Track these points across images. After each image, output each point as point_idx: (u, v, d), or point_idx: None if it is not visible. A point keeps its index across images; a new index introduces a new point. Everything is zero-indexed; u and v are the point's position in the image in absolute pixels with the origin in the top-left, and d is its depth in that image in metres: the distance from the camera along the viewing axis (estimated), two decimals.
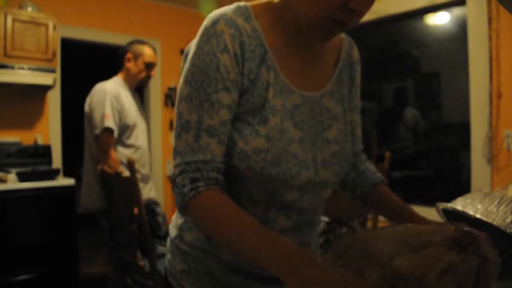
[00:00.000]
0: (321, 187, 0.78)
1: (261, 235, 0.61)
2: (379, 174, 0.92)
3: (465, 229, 0.55)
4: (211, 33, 0.70)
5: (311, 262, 0.55)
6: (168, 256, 0.86)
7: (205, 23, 0.72)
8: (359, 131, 0.91)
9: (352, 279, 0.52)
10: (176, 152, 0.71)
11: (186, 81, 0.71)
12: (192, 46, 0.73)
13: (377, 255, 0.56)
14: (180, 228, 0.83)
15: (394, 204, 0.84)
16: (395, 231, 0.60)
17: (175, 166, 0.71)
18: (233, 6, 0.72)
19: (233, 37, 0.69)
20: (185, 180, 0.68)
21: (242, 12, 0.72)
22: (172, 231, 0.87)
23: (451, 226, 0.56)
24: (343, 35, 0.87)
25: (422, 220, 0.76)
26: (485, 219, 0.78)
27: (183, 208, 0.69)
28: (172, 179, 0.72)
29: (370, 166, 0.94)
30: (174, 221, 0.87)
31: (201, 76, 0.69)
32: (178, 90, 0.73)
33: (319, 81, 0.79)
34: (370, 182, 0.89)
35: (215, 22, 0.70)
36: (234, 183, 0.74)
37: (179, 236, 0.83)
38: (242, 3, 0.74)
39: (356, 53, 0.88)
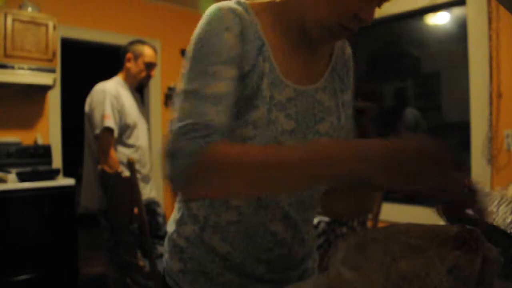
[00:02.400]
0: None
1: (304, 147, 0.62)
2: None
3: (467, 227, 0.55)
4: (215, 15, 0.71)
5: (367, 142, 0.57)
6: (166, 256, 0.87)
7: (209, 10, 0.73)
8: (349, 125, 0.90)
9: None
10: (177, 118, 0.67)
11: (189, 57, 0.71)
12: (195, 31, 0.74)
13: (381, 257, 0.56)
14: (178, 223, 0.84)
15: None
16: (397, 231, 0.60)
17: (176, 129, 0.65)
18: (233, 1, 0.75)
19: (236, 21, 0.71)
20: (196, 136, 0.63)
21: (242, 5, 0.75)
22: (170, 227, 0.87)
23: (453, 226, 0.56)
24: None
25: None
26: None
27: (198, 164, 0.62)
28: (172, 139, 0.65)
29: None
30: (172, 217, 0.88)
31: (205, 49, 0.70)
32: (182, 68, 0.72)
33: (314, 76, 0.82)
34: None
35: (219, 8, 0.72)
36: None
37: (177, 231, 0.84)
38: (242, 0, 0.76)
39: (348, 50, 0.90)
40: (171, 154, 0.64)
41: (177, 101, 0.69)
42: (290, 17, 0.76)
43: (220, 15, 0.71)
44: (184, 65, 0.72)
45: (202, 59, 0.69)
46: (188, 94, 0.68)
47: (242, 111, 0.72)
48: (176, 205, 0.87)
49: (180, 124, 0.65)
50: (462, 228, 0.55)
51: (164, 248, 0.89)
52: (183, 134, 0.64)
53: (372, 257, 0.58)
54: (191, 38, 0.73)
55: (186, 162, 0.62)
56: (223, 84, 0.68)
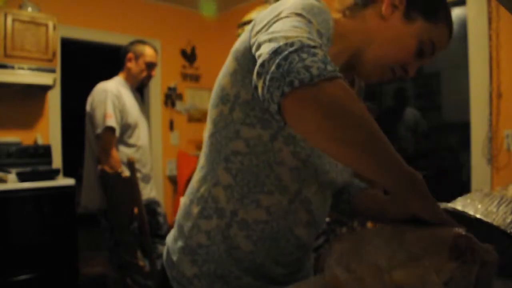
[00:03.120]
0: (331, 188, 0.81)
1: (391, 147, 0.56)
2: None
3: (464, 234, 0.54)
4: (319, 3, 0.69)
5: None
6: (174, 258, 0.81)
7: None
8: None
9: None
10: (292, 34, 0.57)
11: (293, 9, 0.64)
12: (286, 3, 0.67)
13: (377, 262, 0.56)
14: (198, 217, 0.78)
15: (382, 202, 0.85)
16: (392, 234, 0.60)
17: (295, 40, 0.56)
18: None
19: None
20: (322, 56, 0.54)
21: None
22: (185, 222, 0.80)
23: (450, 229, 0.56)
24: None
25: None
26: (485, 219, 0.78)
27: (315, 84, 0.52)
28: (288, 45, 0.55)
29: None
30: (186, 212, 0.81)
31: (314, 9, 0.66)
32: (280, 14, 0.64)
33: None
34: (359, 186, 0.91)
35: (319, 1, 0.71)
36: (264, 167, 0.72)
37: (197, 226, 0.78)
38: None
39: (362, 83, 0.96)
40: (305, 50, 0.54)
41: (287, 23, 0.61)
42: (350, 41, 0.78)
43: (324, 6, 0.70)
44: (287, 13, 0.64)
45: (311, 19, 0.64)
46: (299, 27, 0.60)
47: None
48: (190, 198, 0.81)
49: (300, 35, 0.57)
50: (458, 234, 0.54)
51: (168, 250, 0.84)
52: (313, 47, 0.55)
53: (368, 260, 0.57)
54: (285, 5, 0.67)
55: (319, 70, 0.52)
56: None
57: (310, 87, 0.52)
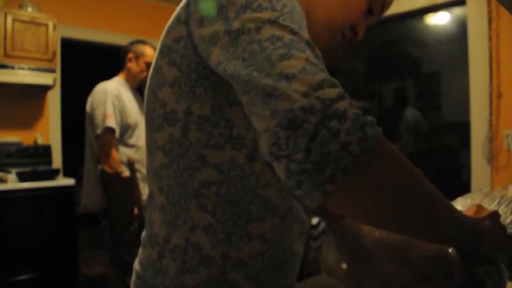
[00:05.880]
0: None
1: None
2: None
3: (467, 265, 0.51)
4: None
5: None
6: None
7: None
8: None
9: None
10: (303, 70, 0.44)
11: (262, 7, 0.50)
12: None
13: (380, 271, 0.55)
14: (178, 274, 0.62)
15: None
16: (396, 246, 0.58)
17: (312, 101, 0.41)
18: None
19: None
20: (353, 112, 0.42)
21: None
22: (156, 281, 0.64)
23: (454, 257, 0.53)
24: None
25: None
26: None
27: (368, 151, 0.41)
28: (306, 112, 0.40)
29: None
30: (155, 269, 0.65)
31: (292, 12, 0.52)
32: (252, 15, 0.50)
33: None
34: None
35: None
36: (246, 193, 0.61)
37: (178, 285, 0.62)
38: None
39: None
40: (331, 114, 0.40)
41: (280, 49, 0.46)
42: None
43: None
44: (256, 14, 0.50)
45: (292, 22, 0.51)
46: (294, 48, 0.47)
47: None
48: (157, 250, 0.65)
49: (321, 77, 0.44)
50: (462, 266, 0.51)
51: None
52: (341, 98, 0.42)
53: (373, 269, 0.57)
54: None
55: (368, 136, 0.41)
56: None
57: (355, 172, 0.41)
